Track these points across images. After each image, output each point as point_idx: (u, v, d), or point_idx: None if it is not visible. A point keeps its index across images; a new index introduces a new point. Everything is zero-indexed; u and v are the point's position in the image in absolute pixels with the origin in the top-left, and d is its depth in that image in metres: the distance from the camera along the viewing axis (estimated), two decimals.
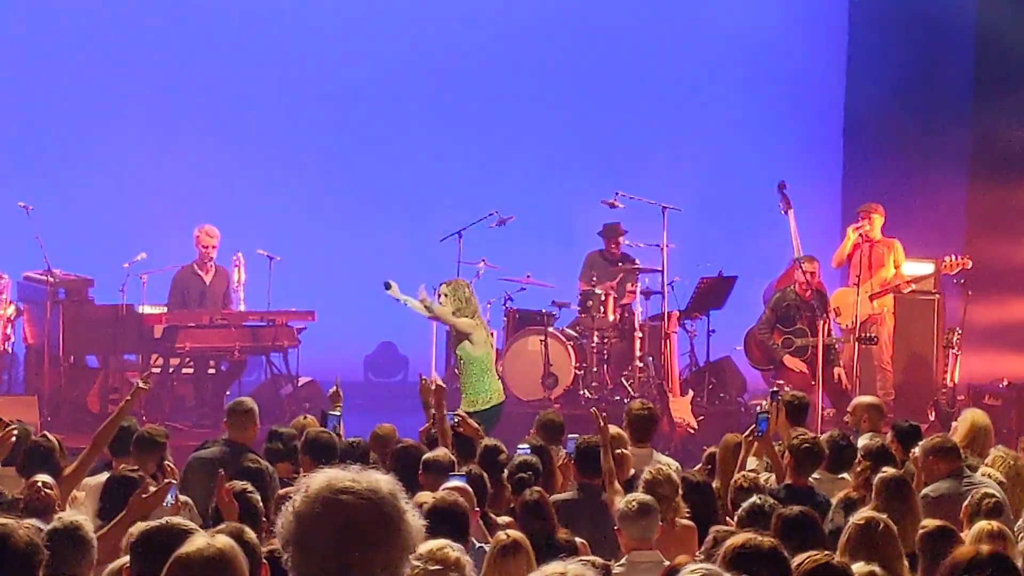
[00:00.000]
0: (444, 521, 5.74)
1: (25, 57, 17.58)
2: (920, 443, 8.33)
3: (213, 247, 14.07)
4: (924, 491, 7.79)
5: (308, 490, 3.14)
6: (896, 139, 16.55)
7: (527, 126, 18.46)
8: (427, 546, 3.63)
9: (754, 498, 6.72)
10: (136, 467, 7.45)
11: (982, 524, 6.29)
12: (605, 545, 6.90)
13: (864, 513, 5.93)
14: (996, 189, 15.23)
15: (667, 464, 8.71)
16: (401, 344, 17.78)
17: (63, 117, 17.35)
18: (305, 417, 9.57)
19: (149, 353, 14.00)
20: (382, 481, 3.16)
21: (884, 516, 5.99)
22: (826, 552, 5.06)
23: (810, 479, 8.21)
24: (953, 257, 13.81)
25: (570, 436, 8.75)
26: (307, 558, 3.11)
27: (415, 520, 3.17)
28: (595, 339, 14.41)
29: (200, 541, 3.90)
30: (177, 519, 4.88)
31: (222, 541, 3.89)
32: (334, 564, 3.09)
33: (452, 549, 3.65)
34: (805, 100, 18.67)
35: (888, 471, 7.26)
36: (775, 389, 12.02)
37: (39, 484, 6.86)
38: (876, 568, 5.39)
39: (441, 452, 8.09)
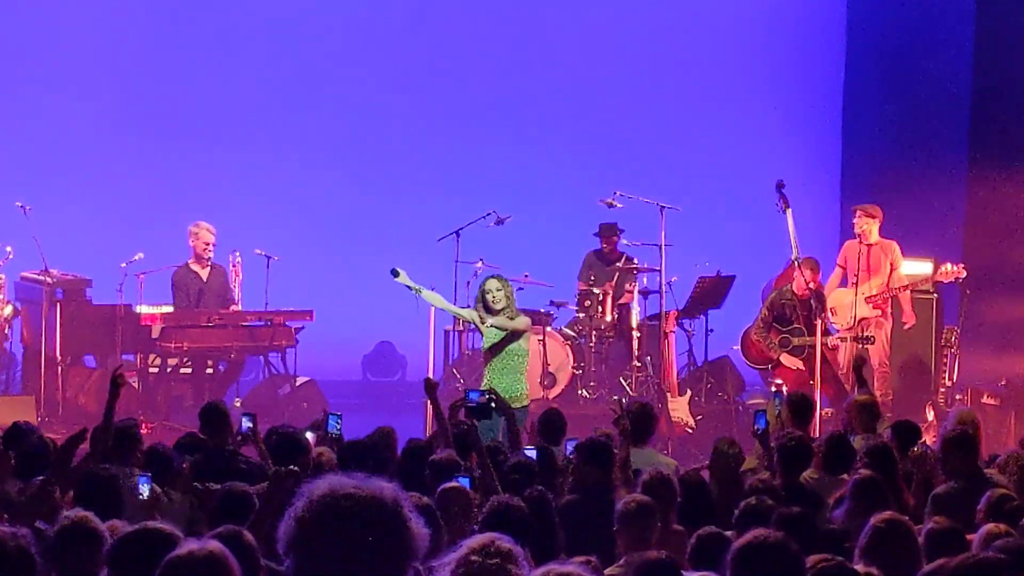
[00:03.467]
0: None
1: (22, 57, 17.57)
2: (941, 435, 8.28)
3: (212, 244, 14.05)
4: (936, 491, 7.76)
5: (311, 496, 3.15)
6: (895, 138, 16.54)
7: (525, 125, 18.46)
8: (479, 540, 3.66)
9: (751, 499, 6.71)
10: (108, 465, 7.39)
11: (989, 527, 6.26)
12: (607, 547, 6.87)
13: (883, 515, 5.90)
14: (995, 188, 15.22)
15: (667, 464, 8.73)
16: (399, 344, 17.77)
17: (60, 117, 17.34)
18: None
19: (147, 353, 13.99)
20: (385, 489, 3.18)
21: (905, 518, 5.98)
22: (839, 559, 5.05)
23: (808, 478, 8.22)
24: (949, 266, 13.81)
25: (568, 439, 8.74)
26: (309, 564, 3.11)
27: (418, 527, 3.17)
28: (593, 339, 14.40)
29: (191, 544, 3.89)
30: (156, 524, 4.83)
31: (213, 545, 3.89)
32: (336, 570, 3.09)
33: (504, 541, 3.67)
34: (804, 99, 18.68)
35: (864, 473, 7.27)
36: (776, 389, 12.03)
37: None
38: (874, 570, 5.38)
39: (446, 455, 8.04)
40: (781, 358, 13.54)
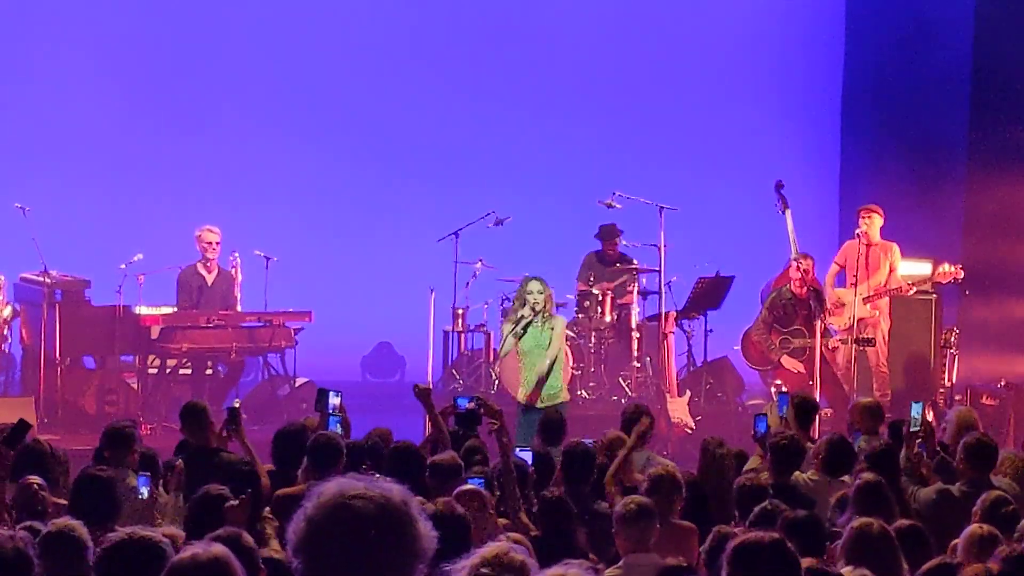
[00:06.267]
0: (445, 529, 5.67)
1: (22, 57, 17.57)
2: (963, 440, 8.22)
3: (213, 244, 14.04)
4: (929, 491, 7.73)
5: (320, 497, 3.16)
6: (894, 138, 16.53)
7: (524, 126, 18.45)
8: (492, 551, 3.65)
9: (765, 503, 6.70)
10: (105, 467, 7.38)
11: (973, 528, 6.25)
12: (603, 549, 6.87)
13: (861, 519, 5.91)
14: (994, 189, 15.21)
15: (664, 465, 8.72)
16: (398, 344, 17.77)
17: (60, 117, 17.34)
18: (307, 418, 9.53)
19: (146, 354, 13.99)
20: (394, 489, 3.18)
21: (880, 521, 5.97)
22: (821, 559, 5.05)
23: (808, 480, 8.21)
24: (947, 266, 13.80)
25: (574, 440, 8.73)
26: (318, 565, 3.12)
27: (427, 529, 3.18)
28: (592, 339, 14.39)
29: (196, 548, 3.90)
30: (143, 530, 4.79)
31: (217, 548, 3.89)
32: (344, 571, 3.10)
33: (516, 552, 3.67)
34: (803, 99, 18.68)
35: (867, 477, 7.24)
36: (777, 390, 12.02)
37: (34, 486, 6.82)
38: (867, 572, 5.38)
39: (448, 456, 8.00)
40: (782, 360, 13.52)
